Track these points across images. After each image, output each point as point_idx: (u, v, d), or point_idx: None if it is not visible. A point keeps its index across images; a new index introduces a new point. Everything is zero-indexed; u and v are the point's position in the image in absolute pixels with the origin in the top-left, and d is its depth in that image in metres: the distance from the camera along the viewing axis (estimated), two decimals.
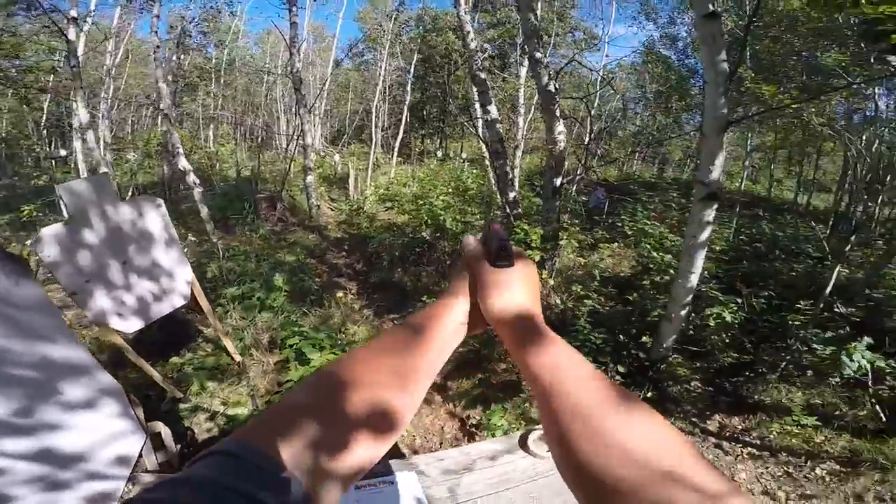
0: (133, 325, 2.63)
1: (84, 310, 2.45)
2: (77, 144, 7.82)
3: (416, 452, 2.81)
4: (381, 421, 0.41)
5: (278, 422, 0.36)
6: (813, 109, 6.65)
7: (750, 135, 10.50)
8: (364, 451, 0.39)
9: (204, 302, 3.14)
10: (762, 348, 3.90)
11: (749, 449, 2.98)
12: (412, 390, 0.45)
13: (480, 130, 5.66)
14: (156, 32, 5.52)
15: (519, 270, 0.54)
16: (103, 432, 1.36)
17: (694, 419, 3.29)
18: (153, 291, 2.70)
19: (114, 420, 1.42)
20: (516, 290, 0.52)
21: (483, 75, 4.61)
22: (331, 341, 3.61)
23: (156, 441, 1.64)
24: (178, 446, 1.83)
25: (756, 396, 3.48)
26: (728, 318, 3.78)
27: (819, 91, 5.51)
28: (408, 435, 2.91)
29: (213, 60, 15.13)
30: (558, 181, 4.41)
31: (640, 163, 15.51)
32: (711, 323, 3.86)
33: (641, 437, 0.37)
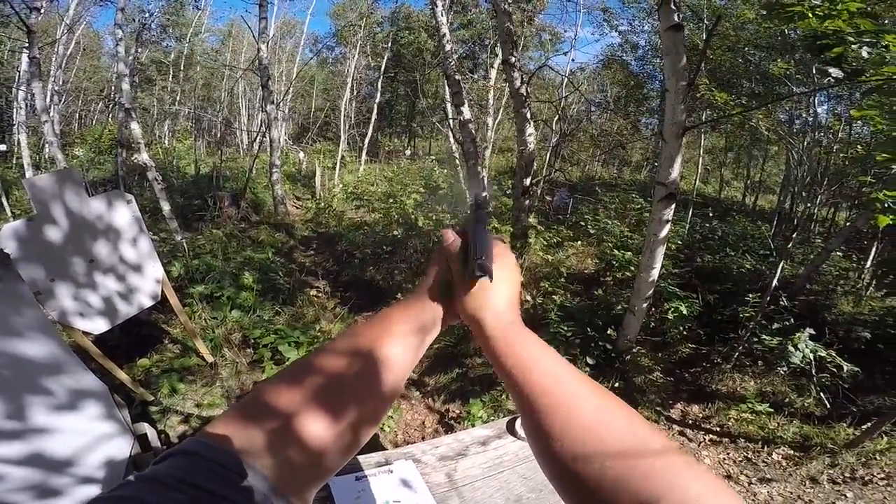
0: (99, 326, 2.53)
1: (47, 309, 2.33)
2: (22, 139, 7.28)
3: (397, 447, 2.83)
4: (352, 417, 0.40)
5: (243, 419, 0.35)
6: (760, 115, 7.14)
7: (702, 138, 11.11)
8: (336, 447, 0.38)
9: (175, 301, 3.05)
10: (716, 339, 4.17)
11: (710, 436, 3.18)
12: (385, 386, 0.44)
13: (453, 130, 5.73)
14: (119, 25, 5.27)
15: (499, 267, 0.52)
16: (90, 435, 1.31)
17: (658, 408, 3.48)
18: (121, 291, 2.61)
19: (100, 422, 1.38)
20: (493, 290, 0.51)
21: (457, 76, 4.69)
22: (307, 339, 3.57)
23: (142, 443, 1.60)
24: (165, 447, 1.79)
25: (713, 385, 3.71)
26: (685, 312, 4.03)
27: (767, 99, 5.92)
28: (389, 431, 2.93)
29: (172, 55, 14.44)
30: (527, 181, 4.54)
31: (601, 164, 16.06)
32: (670, 316, 4.10)
33: (617, 428, 0.37)
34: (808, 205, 7.69)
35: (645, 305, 3.69)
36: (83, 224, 2.27)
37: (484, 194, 0.61)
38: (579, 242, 6.58)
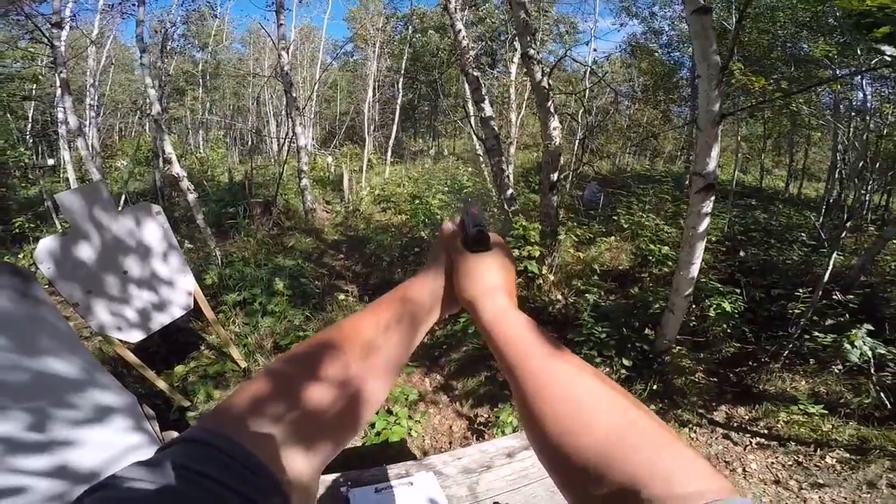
0: (134, 335, 2.61)
1: (87, 320, 2.42)
2: (65, 153, 7.69)
3: (426, 453, 2.81)
4: (348, 401, 0.41)
5: (244, 407, 0.36)
6: (801, 100, 6.72)
7: (741, 125, 10.60)
8: (332, 433, 0.40)
9: (207, 310, 3.12)
10: (763, 338, 3.93)
11: (758, 439, 2.98)
12: (381, 369, 0.46)
13: (474, 128, 5.68)
14: (140, 37, 5.47)
15: (494, 254, 0.55)
16: (118, 447, 1.34)
17: (701, 410, 3.30)
18: (153, 302, 2.68)
19: (127, 434, 1.41)
20: (490, 273, 0.53)
21: (476, 73, 4.62)
22: None
23: None
24: None
25: (761, 386, 3.48)
26: (728, 308, 3.82)
27: (808, 83, 5.56)
28: (417, 436, 2.89)
29: (200, 65, 14.95)
30: (554, 176, 4.42)
31: (633, 156, 15.61)
32: (712, 313, 3.89)
33: (603, 409, 0.37)
34: (863, 191, 7.20)
35: (685, 304, 3.51)
36: (114, 238, 2.34)
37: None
38: (612, 238, 6.38)
